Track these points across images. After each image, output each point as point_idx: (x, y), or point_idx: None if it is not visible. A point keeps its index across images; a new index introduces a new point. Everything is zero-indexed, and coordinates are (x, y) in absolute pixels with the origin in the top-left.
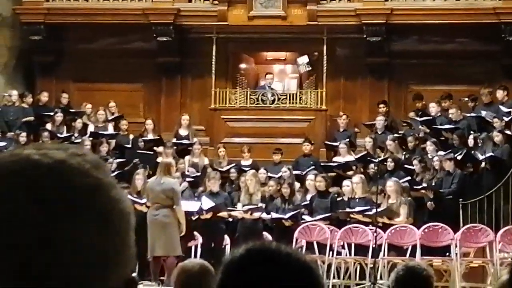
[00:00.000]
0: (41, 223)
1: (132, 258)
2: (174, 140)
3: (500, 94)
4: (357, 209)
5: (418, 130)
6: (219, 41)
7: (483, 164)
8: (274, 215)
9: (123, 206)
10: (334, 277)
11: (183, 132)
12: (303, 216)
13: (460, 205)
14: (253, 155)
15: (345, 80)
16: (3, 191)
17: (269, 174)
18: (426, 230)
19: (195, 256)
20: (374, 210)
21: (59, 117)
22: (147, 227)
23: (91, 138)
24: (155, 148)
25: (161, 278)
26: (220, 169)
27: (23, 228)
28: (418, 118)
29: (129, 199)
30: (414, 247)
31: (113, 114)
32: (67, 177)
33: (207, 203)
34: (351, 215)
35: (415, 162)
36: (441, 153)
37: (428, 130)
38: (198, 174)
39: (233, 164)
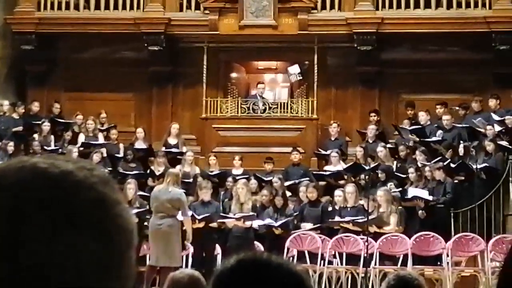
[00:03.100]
0: (42, 235)
1: (132, 275)
2: (163, 149)
3: (492, 103)
4: (347, 218)
5: (408, 139)
6: (210, 50)
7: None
8: (265, 221)
9: (126, 223)
10: (325, 287)
11: (172, 141)
12: (301, 224)
13: (452, 214)
14: (244, 164)
15: (336, 89)
16: (7, 200)
17: (262, 178)
18: (417, 239)
19: (186, 265)
20: (364, 219)
21: (46, 126)
22: (149, 236)
23: (82, 148)
24: (151, 158)
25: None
26: (209, 173)
27: (25, 239)
28: (407, 127)
29: (133, 216)
30: (405, 256)
31: (102, 124)
32: (72, 190)
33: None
34: (341, 224)
35: (411, 170)
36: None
37: (417, 139)
38: (190, 180)
39: (222, 172)
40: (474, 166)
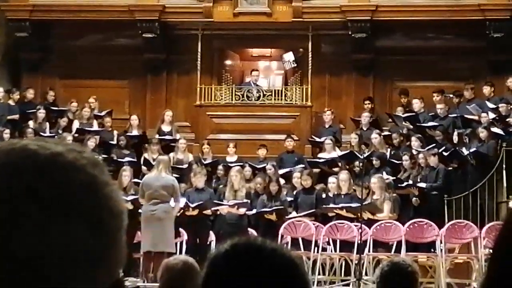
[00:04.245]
0: (33, 216)
1: (122, 258)
2: (157, 136)
3: (486, 90)
4: (341, 205)
5: (402, 126)
6: (204, 37)
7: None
8: (257, 209)
9: (116, 205)
10: (319, 273)
11: (165, 128)
12: (289, 210)
13: (445, 201)
14: (238, 151)
15: (330, 77)
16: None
17: (255, 166)
18: (411, 226)
19: (180, 252)
20: (357, 204)
21: (41, 113)
22: (142, 222)
23: (76, 135)
24: (144, 145)
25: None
26: (203, 161)
27: (16, 220)
28: (401, 114)
29: (123, 199)
30: (399, 243)
31: (92, 110)
32: (62, 171)
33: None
34: (335, 211)
35: (405, 157)
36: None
37: (411, 127)
38: (184, 167)
39: (216, 160)
40: (466, 152)
